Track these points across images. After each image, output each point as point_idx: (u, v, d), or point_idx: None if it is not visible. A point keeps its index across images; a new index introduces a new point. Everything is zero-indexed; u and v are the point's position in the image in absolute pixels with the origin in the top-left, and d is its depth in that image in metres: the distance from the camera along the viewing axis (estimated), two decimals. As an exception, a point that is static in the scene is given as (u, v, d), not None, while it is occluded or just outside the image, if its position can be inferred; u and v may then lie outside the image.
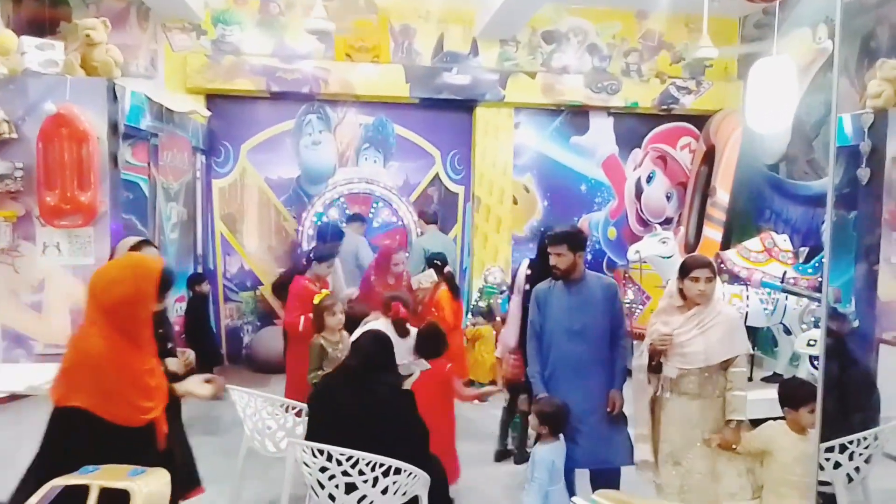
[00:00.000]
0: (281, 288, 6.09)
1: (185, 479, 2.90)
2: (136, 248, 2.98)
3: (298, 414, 3.89)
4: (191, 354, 3.74)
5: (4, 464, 3.32)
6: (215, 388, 2.92)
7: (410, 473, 3.07)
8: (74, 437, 2.50)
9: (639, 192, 7.90)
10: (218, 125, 7.03)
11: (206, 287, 6.36)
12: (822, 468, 3.38)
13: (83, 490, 2.31)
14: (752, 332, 5.54)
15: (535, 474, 3.35)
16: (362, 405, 3.15)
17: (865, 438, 3.49)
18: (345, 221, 6.67)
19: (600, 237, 7.84)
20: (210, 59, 6.78)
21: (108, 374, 2.50)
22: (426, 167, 7.56)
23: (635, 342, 4.01)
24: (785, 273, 5.35)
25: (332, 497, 3.06)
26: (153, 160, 5.36)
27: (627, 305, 6.01)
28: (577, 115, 7.65)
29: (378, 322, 4.37)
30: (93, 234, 4.32)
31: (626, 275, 6.53)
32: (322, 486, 3.06)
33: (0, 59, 4.31)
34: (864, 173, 5.29)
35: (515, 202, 7.61)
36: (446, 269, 5.72)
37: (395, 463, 3.03)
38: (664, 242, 5.66)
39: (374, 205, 7.00)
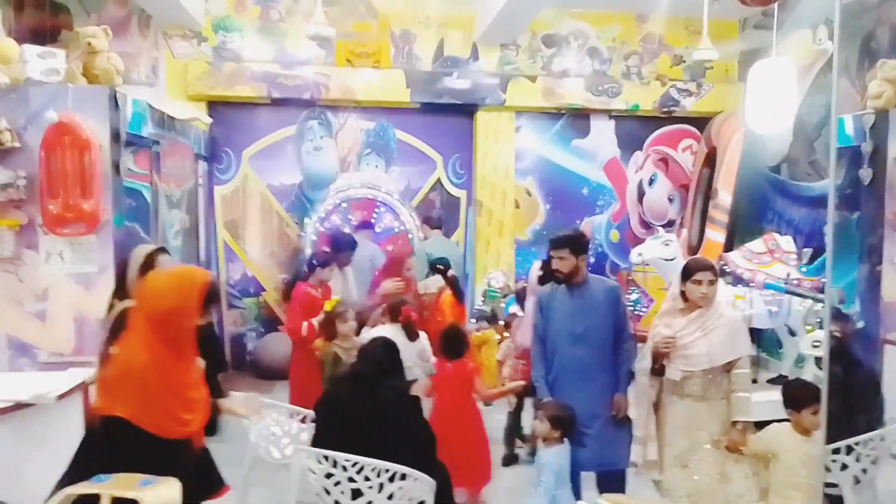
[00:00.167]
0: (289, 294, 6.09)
1: (216, 481, 2.91)
2: (151, 255, 2.98)
3: (303, 420, 3.89)
4: (200, 362, 3.75)
5: (10, 471, 3.33)
6: (255, 408, 2.93)
7: (416, 479, 3.07)
8: (114, 446, 2.50)
9: (641, 195, 7.90)
10: (219, 132, 7.05)
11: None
12: (828, 470, 3.38)
13: (95, 499, 2.32)
14: (757, 334, 5.53)
15: (542, 478, 3.35)
16: (370, 411, 3.16)
17: (872, 440, 3.48)
18: (354, 229, 6.66)
19: (603, 240, 7.84)
20: (211, 66, 6.80)
21: (151, 385, 2.51)
22: (428, 172, 7.56)
23: (639, 345, 4.00)
24: (788, 274, 5.34)
25: (338, 503, 3.06)
26: (155, 167, 5.36)
27: (631, 308, 6.00)
28: (578, 119, 7.66)
29: (385, 328, 4.40)
30: (96, 242, 4.33)
31: (629, 278, 6.53)
32: (328, 493, 3.06)
33: (2, 68, 4.32)
34: (865, 174, 5.29)
35: (517, 206, 7.61)
36: (449, 273, 5.72)
37: (401, 468, 3.03)
38: (667, 245, 5.65)
39: (377, 210, 7.01)
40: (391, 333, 4.09)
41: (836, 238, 2.76)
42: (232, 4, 6.97)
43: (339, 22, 6.78)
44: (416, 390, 4.16)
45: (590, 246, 4.23)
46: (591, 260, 7.16)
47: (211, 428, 2.96)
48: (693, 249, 7.08)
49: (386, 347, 3.48)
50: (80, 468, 2.51)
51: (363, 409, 3.18)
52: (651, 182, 7.89)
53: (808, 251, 5.86)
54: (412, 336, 4.47)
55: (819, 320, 5.13)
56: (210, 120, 6.85)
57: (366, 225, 6.64)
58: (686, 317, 3.43)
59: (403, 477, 3.04)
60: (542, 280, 4.30)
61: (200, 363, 3.70)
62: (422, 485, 3.11)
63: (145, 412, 2.50)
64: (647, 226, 7.84)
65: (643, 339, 3.76)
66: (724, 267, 5.44)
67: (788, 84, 5.00)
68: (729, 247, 6.75)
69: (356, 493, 3.04)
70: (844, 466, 3.44)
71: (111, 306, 2.90)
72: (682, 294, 3.46)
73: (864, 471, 3.48)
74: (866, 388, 3.88)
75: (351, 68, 7.11)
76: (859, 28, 5.88)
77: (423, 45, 7.29)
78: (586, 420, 3.55)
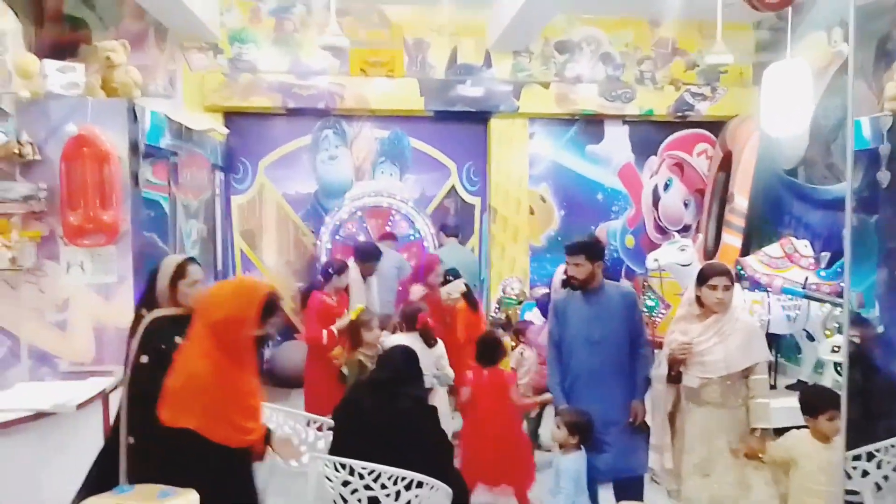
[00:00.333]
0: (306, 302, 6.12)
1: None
2: (181, 265, 2.99)
3: (320, 428, 3.90)
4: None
5: (31, 479, 3.38)
6: (292, 453, 2.97)
7: (433, 487, 3.07)
8: (182, 457, 2.52)
9: (656, 200, 7.87)
10: (236, 142, 7.12)
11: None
12: (849, 477, 3.34)
13: None
14: (775, 339, 5.48)
15: (562, 484, 3.34)
16: (388, 418, 3.18)
17: (893, 446, 3.43)
18: (377, 239, 6.68)
19: (618, 246, 7.81)
20: (227, 78, 6.87)
21: (214, 395, 2.54)
22: (442, 179, 7.58)
23: (655, 351, 3.99)
24: (806, 279, 5.30)
25: (354, 511, 3.07)
26: (173, 178, 5.42)
27: (647, 314, 5.97)
28: (592, 124, 7.65)
29: (401, 336, 4.43)
30: (115, 252, 4.38)
31: (645, 283, 6.50)
32: (345, 501, 3.07)
33: (23, 83, 4.39)
34: (883, 176, 5.23)
35: (532, 212, 7.61)
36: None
37: (417, 476, 3.03)
38: (683, 250, 5.62)
39: (392, 218, 7.03)
40: (408, 341, 4.12)
41: (854, 242, 2.73)
42: (247, 17, 7.05)
43: (353, 32, 6.84)
44: (437, 400, 4.20)
45: (605, 252, 4.23)
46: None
47: None
48: (709, 254, 7.03)
49: (406, 355, 3.50)
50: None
51: (382, 416, 3.19)
52: (666, 187, 7.86)
53: (826, 255, 5.80)
54: (430, 343, 4.49)
55: (838, 325, 5.08)
56: (226, 131, 6.92)
57: (388, 235, 6.67)
58: (702, 323, 3.41)
59: (420, 485, 3.04)
60: (567, 285, 4.32)
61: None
62: (438, 493, 3.11)
63: (212, 423, 2.52)
64: (662, 231, 7.80)
65: (659, 346, 3.75)
66: (742, 272, 5.41)
67: (804, 86, 4.96)
68: (746, 251, 6.70)
69: (373, 501, 3.05)
70: (865, 473, 3.40)
71: (140, 317, 2.92)
72: (698, 299, 3.44)
73: (886, 477, 3.44)
74: (886, 393, 3.83)
75: (365, 77, 7.16)
76: (875, 30, 5.83)
77: (436, 54, 7.33)
78: (603, 427, 3.54)
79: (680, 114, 7.55)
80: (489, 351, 4.30)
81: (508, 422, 4.21)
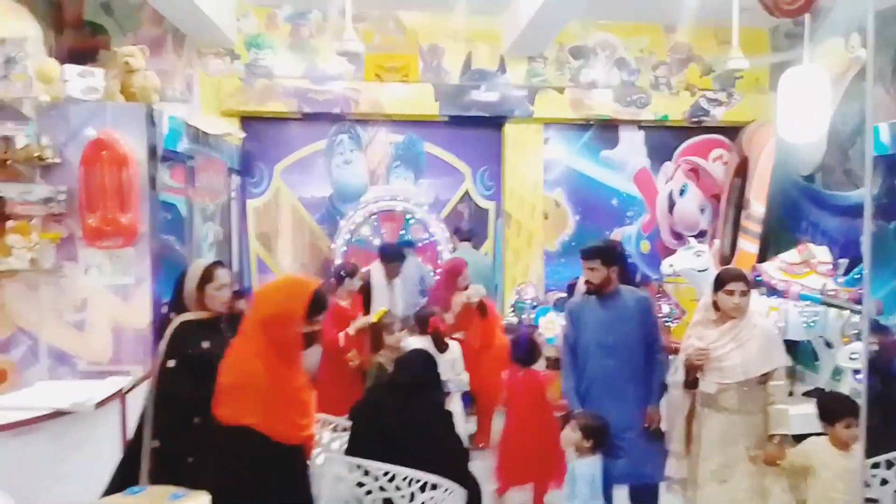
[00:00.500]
0: None
1: None
2: (209, 269, 3.01)
3: (334, 429, 3.91)
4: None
5: (49, 477, 3.41)
6: None
7: (447, 489, 3.07)
8: (244, 455, 2.54)
9: (671, 206, 7.83)
10: (252, 147, 7.16)
11: (242, 305, 6.44)
12: (867, 485, 3.30)
13: None
14: (792, 346, 5.44)
15: (577, 489, 3.33)
16: (406, 422, 3.18)
17: (913, 454, 3.39)
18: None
19: (633, 251, 7.77)
20: (243, 83, 6.93)
21: (271, 392, 2.56)
22: (456, 184, 7.59)
23: (670, 357, 3.97)
24: (824, 285, 5.25)
25: (368, 512, 3.07)
26: (190, 182, 5.47)
27: (663, 320, 5.94)
28: (607, 130, 7.63)
29: (414, 340, 4.45)
30: (133, 254, 4.42)
31: (661, 289, 6.47)
32: (359, 502, 3.07)
33: (43, 87, 4.45)
34: (902, 182, 5.19)
35: (546, 217, 7.59)
36: None
37: (432, 478, 3.03)
38: (698, 255, 5.60)
39: (406, 222, 7.05)
40: (423, 345, 4.14)
41: (872, 248, 2.71)
42: (263, 22, 7.11)
43: (368, 38, 6.87)
44: (451, 405, 4.23)
45: (622, 256, 4.23)
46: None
47: None
48: (725, 260, 6.98)
49: (425, 359, 3.51)
50: (213, 480, 2.54)
51: (400, 419, 3.20)
52: (682, 192, 7.82)
53: (843, 261, 5.75)
54: (441, 347, 4.51)
55: (856, 332, 5.03)
56: (243, 135, 6.97)
57: (408, 243, 6.70)
58: (719, 328, 3.39)
59: (434, 487, 3.04)
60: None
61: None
62: (453, 495, 3.11)
63: (270, 420, 2.54)
64: (678, 237, 7.76)
65: (675, 352, 3.73)
66: (759, 278, 5.37)
67: (821, 92, 4.93)
68: (762, 257, 6.66)
69: (387, 503, 3.05)
70: (885, 481, 3.36)
71: (169, 320, 2.94)
72: (715, 304, 3.42)
73: (906, 486, 3.40)
74: (906, 401, 3.78)
75: (380, 83, 7.19)
76: (893, 35, 5.79)
77: (451, 59, 7.35)
78: (618, 432, 3.53)
79: (695, 119, 7.52)
80: (525, 352, 4.36)
81: (544, 422, 4.22)
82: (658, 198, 7.80)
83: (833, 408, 3.22)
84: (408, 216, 7.00)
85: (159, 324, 4.46)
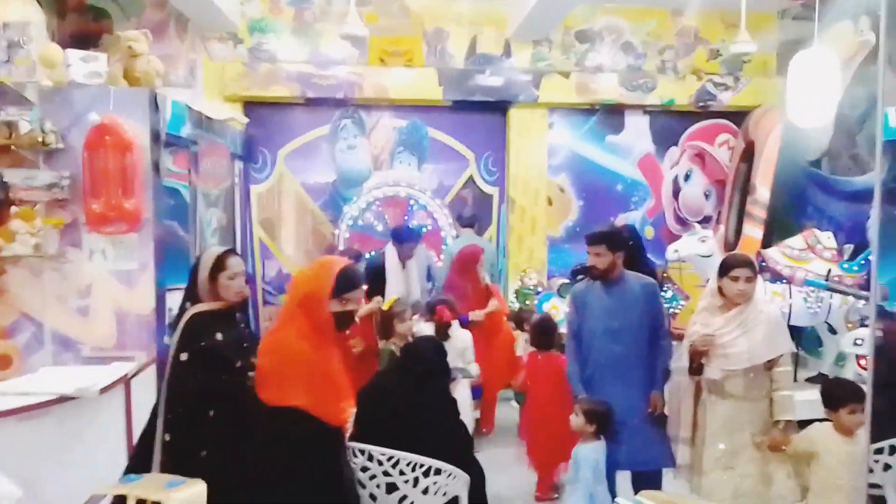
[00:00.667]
0: None
1: None
2: (221, 257, 2.98)
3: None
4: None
5: (54, 463, 3.44)
6: None
7: (450, 474, 3.08)
8: (291, 436, 2.55)
9: (676, 191, 7.79)
10: (255, 132, 7.14)
11: (246, 290, 6.44)
12: (871, 471, 3.30)
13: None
14: (796, 332, 5.42)
15: (581, 474, 3.33)
16: (412, 407, 3.19)
17: (917, 440, 3.39)
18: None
19: (637, 237, 7.74)
20: (247, 68, 6.90)
21: (315, 373, 2.59)
22: (460, 169, 7.56)
23: (675, 343, 3.97)
24: (829, 271, 5.22)
25: (373, 497, 3.09)
26: (193, 167, 5.45)
27: (667, 306, 5.93)
28: (612, 114, 7.58)
29: (429, 326, 4.50)
30: (136, 239, 4.42)
31: (665, 274, 6.45)
32: (363, 486, 3.08)
33: (46, 72, 4.43)
34: (911, 167, 5.14)
35: (550, 203, 7.57)
36: None
37: (436, 463, 3.05)
38: (703, 241, 5.57)
39: (410, 207, 7.03)
40: (431, 332, 4.18)
41: (880, 233, 2.69)
42: (267, 7, 7.06)
43: (372, 21, 6.82)
44: (458, 392, 4.25)
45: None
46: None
47: None
48: (730, 246, 6.96)
49: (434, 346, 3.52)
50: (263, 461, 2.56)
51: (405, 404, 3.21)
52: (687, 178, 7.78)
53: (849, 247, 5.72)
54: (442, 336, 4.51)
55: (861, 317, 5.01)
56: (246, 120, 6.95)
57: (418, 228, 6.68)
58: (724, 315, 3.38)
59: (438, 472, 3.06)
60: (586, 275, 4.34)
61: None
62: (456, 481, 3.12)
63: (315, 399, 2.57)
64: (682, 222, 7.73)
65: (679, 338, 3.72)
66: (764, 263, 5.35)
67: (830, 76, 4.88)
68: (767, 243, 6.62)
69: (391, 487, 3.07)
70: (888, 467, 3.36)
71: (183, 310, 2.91)
72: (720, 290, 3.41)
73: (910, 472, 3.39)
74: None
75: (384, 67, 7.15)
76: (904, 18, 5.72)
77: (455, 43, 7.29)
78: (622, 417, 3.52)
79: (702, 104, 7.47)
80: (544, 335, 4.39)
81: (563, 405, 4.20)
82: (663, 183, 7.76)
83: (837, 394, 3.21)
84: (411, 202, 6.98)
85: (163, 309, 4.48)
